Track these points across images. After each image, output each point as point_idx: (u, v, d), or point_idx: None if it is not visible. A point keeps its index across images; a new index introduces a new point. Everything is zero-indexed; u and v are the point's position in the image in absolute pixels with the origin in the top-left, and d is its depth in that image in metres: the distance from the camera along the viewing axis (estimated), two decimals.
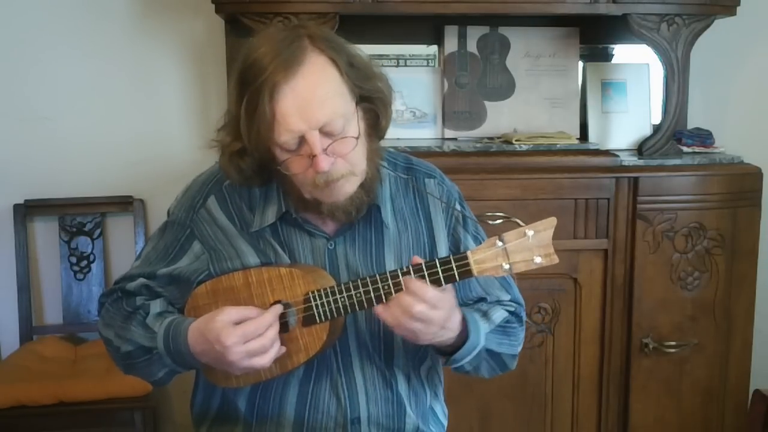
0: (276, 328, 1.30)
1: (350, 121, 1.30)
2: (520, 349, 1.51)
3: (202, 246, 1.42)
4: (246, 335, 1.27)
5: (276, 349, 1.30)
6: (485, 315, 1.43)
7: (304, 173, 1.31)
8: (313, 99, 1.26)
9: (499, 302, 1.50)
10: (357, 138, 1.30)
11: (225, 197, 1.44)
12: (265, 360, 1.29)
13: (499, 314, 1.46)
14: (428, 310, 1.25)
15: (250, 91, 1.26)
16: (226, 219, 1.43)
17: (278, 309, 1.32)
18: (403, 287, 1.26)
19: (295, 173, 1.31)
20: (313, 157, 1.27)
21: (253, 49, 1.29)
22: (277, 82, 1.25)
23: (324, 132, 1.27)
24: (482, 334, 1.38)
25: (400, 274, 1.28)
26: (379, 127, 1.38)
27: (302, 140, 1.27)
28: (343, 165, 1.31)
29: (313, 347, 1.34)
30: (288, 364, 1.35)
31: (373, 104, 1.35)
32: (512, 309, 1.50)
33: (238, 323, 1.28)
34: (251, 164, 1.35)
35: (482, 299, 1.49)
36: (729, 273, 2.43)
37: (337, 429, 1.42)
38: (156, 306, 1.41)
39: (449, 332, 1.31)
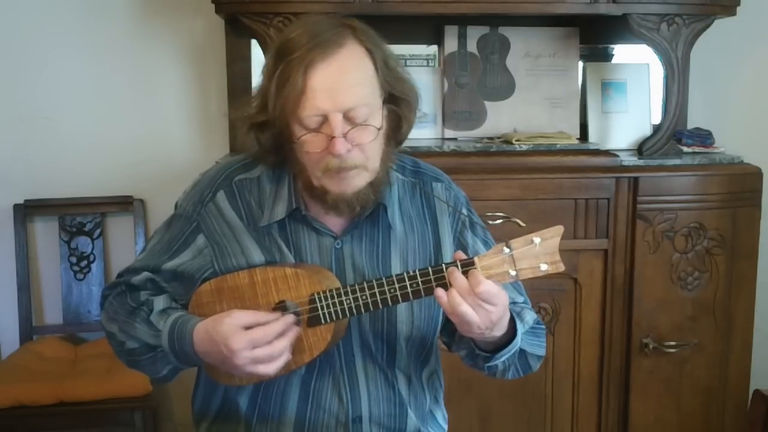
0: (287, 338, 1.30)
1: (375, 113, 1.32)
2: (544, 351, 1.51)
3: (206, 240, 1.42)
4: (254, 341, 1.27)
5: (283, 359, 1.30)
6: (519, 315, 1.43)
7: (318, 154, 1.31)
8: (344, 82, 1.28)
9: (514, 304, 1.49)
10: (379, 129, 1.31)
11: (234, 193, 1.44)
12: (270, 369, 1.29)
13: (530, 316, 1.47)
14: (485, 304, 1.24)
15: (285, 62, 1.29)
16: (234, 214, 1.43)
17: (290, 318, 1.31)
18: (468, 278, 1.25)
19: (310, 151, 1.31)
20: (331, 138, 1.28)
21: (292, 29, 1.33)
22: (314, 58, 1.27)
23: (347, 117, 1.29)
24: (519, 335, 1.39)
25: (406, 278, 1.29)
26: (400, 131, 1.39)
27: (324, 120, 1.29)
28: (359, 156, 1.31)
29: (318, 348, 1.34)
30: (292, 364, 1.35)
31: (399, 107, 1.37)
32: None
33: (247, 327, 1.28)
34: (269, 139, 1.37)
35: None
36: (729, 273, 2.43)
37: (338, 428, 1.42)
38: (160, 302, 1.40)
39: (498, 331, 1.31)
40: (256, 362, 1.28)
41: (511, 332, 1.36)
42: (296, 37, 1.30)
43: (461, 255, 1.29)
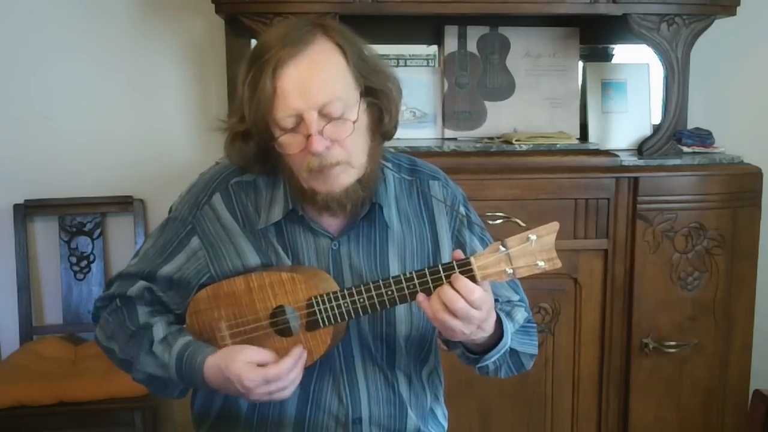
0: (298, 369, 1.31)
1: (351, 108, 1.30)
2: (537, 349, 1.51)
3: (200, 242, 1.42)
4: (267, 379, 1.28)
5: (297, 383, 1.32)
6: (509, 315, 1.44)
7: (299, 155, 1.30)
8: (314, 79, 1.27)
9: (509, 303, 1.50)
10: (354, 122, 1.30)
11: (231, 195, 1.43)
12: (285, 394, 1.32)
13: (521, 315, 1.47)
14: (469, 309, 1.24)
15: (255, 67, 1.28)
16: (231, 217, 1.42)
17: (299, 352, 1.32)
18: (451, 282, 1.25)
19: (291, 153, 1.31)
20: (308, 137, 1.27)
21: (266, 33, 1.33)
22: (282, 58, 1.26)
23: (323, 114, 1.28)
24: (508, 335, 1.38)
25: (403, 280, 1.28)
26: (383, 124, 1.37)
27: (300, 120, 1.28)
28: (340, 152, 1.30)
29: (317, 351, 1.34)
30: None
31: (378, 99, 1.35)
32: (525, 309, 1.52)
33: (259, 363, 1.30)
34: (254, 148, 1.36)
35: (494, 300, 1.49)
36: (729, 273, 2.43)
37: (338, 429, 1.42)
38: (159, 330, 1.39)
39: (483, 333, 1.31)
40: (271, 394, 1.30)
41: (499, 332, 1.36)
42: (266, 41, 1.30)
43: (460, 254, 1.28)
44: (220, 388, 1.33)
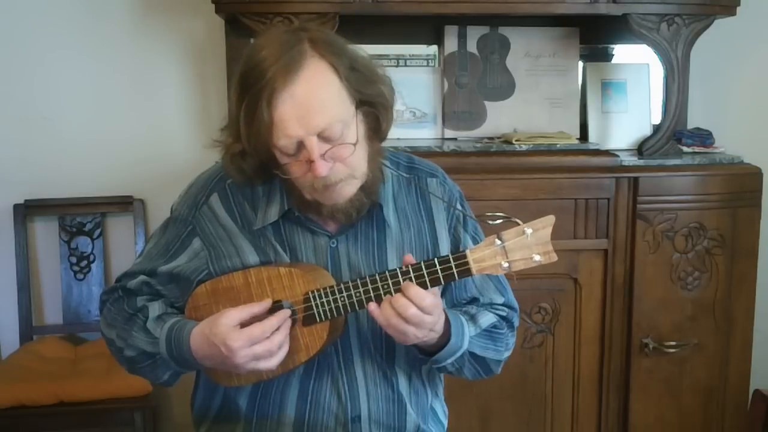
0: (284, 332, 1.31)
1: (349, 126, 1.30)
2: (507, 355, 1.51)
3: (202, 243, 1.43)
4: (252, 339, 1.27)
5: (283, 352, 1.31)
6: (473, 318, 1.45)
7: (303, 177, 1.31)
8: (311, 105, 1.26)
9: (491, 305, 1.50)
10: (355, 144, 1.30)
11: (228, 195, 1.44)
12: (271, 363, 1.30)
13: (486, 318, 1.47)
14: (422, 315, 1.26)
15: (249, 95, 1.27)
16: (228, 217, 1.43)
17: (285, 313, 1.31)
18: (402, 290, 1.27)
19: (295, 177, 1.32)
20: (311, 162, 1.28)
21: (254, 52, 1.30)
22: (276, 87, 1.25)
23: (322, 137, 1.27)
24: (466, 338, 1.40)
25: (399, 274, 1.28)
26: (380, 129, 1.38)
27: (301, 145, 1.28)
28: (342, 169, 1.31)
29: (314, 346, 1.34)
30: (289, 363, 1.35)
31: (374, 108, 1.35)
32: (504, 314, 1.51)
33: (243, 324, 1.29)
34: (252, 164, 1.36)
35: (475, 300, 1.51)
36: (729, 273, 2.43)
37: (337, 427, 1.42)
38: (155, 309, 1.41)
39: (435, 334, 1.33)
40: (256, 358, 1.29)
41: (449, 332, 1.37)
42: (257, 63, 1.27)
43: (410, 259, 1.30)
44: (206, 357, 1.32)
